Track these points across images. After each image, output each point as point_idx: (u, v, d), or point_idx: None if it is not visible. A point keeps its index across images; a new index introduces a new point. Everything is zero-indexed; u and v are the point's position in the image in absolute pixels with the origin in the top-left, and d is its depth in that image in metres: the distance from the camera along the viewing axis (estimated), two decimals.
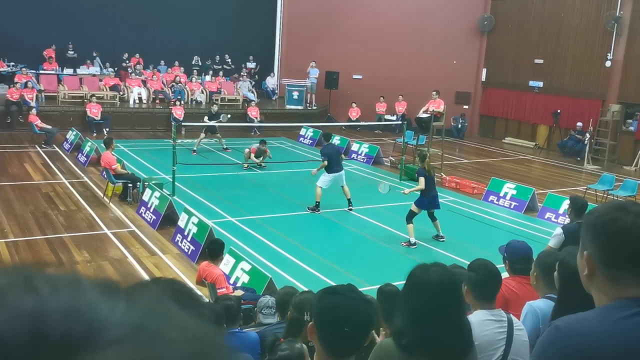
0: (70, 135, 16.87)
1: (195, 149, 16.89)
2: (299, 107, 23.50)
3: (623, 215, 1.53)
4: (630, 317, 1.49)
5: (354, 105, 23.30)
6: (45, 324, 0.43)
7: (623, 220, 1.51)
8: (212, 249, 7.08)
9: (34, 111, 17.48)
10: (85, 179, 13.62)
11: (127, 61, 23.58)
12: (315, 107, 23.96)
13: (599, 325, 1.51)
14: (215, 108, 18.22)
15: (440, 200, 10.66)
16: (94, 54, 22.98)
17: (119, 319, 0.45)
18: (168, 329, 0.46)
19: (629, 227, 1.50)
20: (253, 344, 4.44)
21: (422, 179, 9.95)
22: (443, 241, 10.32)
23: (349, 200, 11.94)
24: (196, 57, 24.96)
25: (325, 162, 11.65)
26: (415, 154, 16.15)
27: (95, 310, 0.45)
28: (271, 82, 25.76)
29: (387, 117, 22.84)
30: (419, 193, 10.13)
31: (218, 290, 6.64)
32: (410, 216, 10.04)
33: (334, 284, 6.89)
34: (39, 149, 16.51)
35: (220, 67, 25.11)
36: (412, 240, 10.03)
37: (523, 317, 3.37)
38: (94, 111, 19.02)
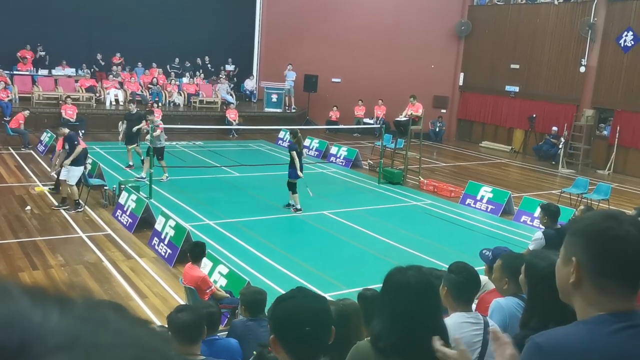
0: (45, 137, 16.60)
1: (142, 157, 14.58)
2: (278, 110, 23.48)
3: (616, 224, 1.51)
4: (618, 331, 1.46)
5: (334, 108, 23.35)
6: None
7: (617, 229, 1.50)
8: (195, 252, 6.97)
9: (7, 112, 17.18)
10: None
11: (102, 62, 23.23)
12: (294, 110, 23.95)
13: (586, 341, 1.48)
14: (133, 107, 16.11)
15: (417, 203, 10.70)
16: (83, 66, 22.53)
17: (52, 328, 0.43)
18: (104, 336, 0.45)
19: (624, 235, 1.49)
20: (233, 351, 4.45)
21: (294, 153, 11.47)
22: (296, 212, 11.63)
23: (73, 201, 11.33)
24: (177, 59, 24.70)
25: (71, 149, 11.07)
26: (393, 157, 16.25)
27: (27, 320, 0.43)
28: (250, 84, 25.68)
29: (366, 120, 22.91)
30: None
31: (206, 290, 6.62)
32: (292, 186, 11.69)
33: (311, 286, 6.87)
34: (12, 150, 16.21)
35: (198, 69, 24.93)
36: (298, 206, 11.70)
37: (490, 313, 3.45)
38: (69, 113, 18.76)
